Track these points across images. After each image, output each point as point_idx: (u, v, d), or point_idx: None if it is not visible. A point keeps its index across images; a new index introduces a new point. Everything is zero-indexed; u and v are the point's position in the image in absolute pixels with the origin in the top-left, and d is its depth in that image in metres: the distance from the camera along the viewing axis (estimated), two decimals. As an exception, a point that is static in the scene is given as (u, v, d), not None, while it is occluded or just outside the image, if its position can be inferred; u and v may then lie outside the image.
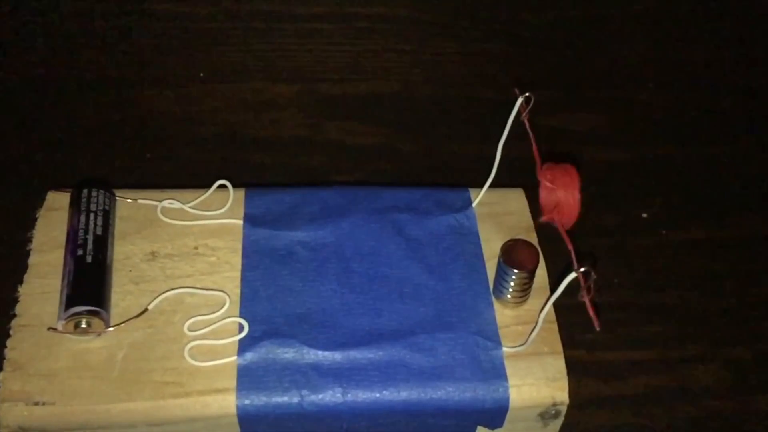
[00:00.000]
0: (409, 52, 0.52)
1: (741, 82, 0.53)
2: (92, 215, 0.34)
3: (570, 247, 0.30)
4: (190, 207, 0.35)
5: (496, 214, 0.36)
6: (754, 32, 0.56)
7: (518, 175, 0.36)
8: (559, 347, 0.32)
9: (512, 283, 0.32)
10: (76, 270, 0.32)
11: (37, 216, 0.35)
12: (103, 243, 0.33)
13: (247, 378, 0.30)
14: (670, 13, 0.56)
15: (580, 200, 0.33)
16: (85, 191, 0.34)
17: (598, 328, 0.29)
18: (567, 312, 0.33)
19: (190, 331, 0.32)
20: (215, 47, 0.51)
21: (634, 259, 0.43)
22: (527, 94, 0.33)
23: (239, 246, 0.34)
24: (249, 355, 0.31)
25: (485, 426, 0.32)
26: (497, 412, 0.31)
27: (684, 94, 0.51)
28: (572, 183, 0.33)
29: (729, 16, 0.56)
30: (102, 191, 0.34)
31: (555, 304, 0.31)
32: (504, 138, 0.34)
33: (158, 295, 0.32)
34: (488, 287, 0.34)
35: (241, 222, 0.35)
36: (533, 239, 0.35)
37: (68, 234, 0.33)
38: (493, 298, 0.33)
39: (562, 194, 0.33)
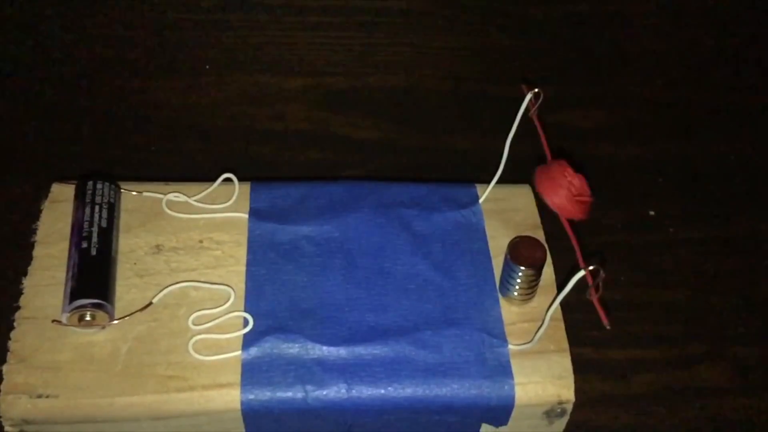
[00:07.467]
0: (416, 45, 0.52)
1: (750, 79, 0.52)
2: (97, 207, 0.33)
3: (575, 242, 0.30)
4: (195, 200, 0.35)
5: (503, 211, 0.36)
6: (764, 29, 0.55)
7: (526, 171, 0.36)
8: (566, 345, 0.32)
9: (519, 281, 0.32)
10: (80, 262, 0.32)
11: (41, 208, 0.35)
12: (107, 235, 0.33)
13: (252, 373, 0.30)
14: (680, 9, 0.56)
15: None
16: (90, 183, 0.34)
17: (608, 326, 0.29)
18: (573, 309, 0.33)
19: (194, 325, 0.31)
20: (222, 39, 0.51)
21: (640, 257, 0.42)
22: (536, 89, 0.32)
23: (244, 240, 0.34)
24: (253, 350, 0.31)
25: (490, 424, 0.32)
26: (502, 410, 0.31)
27: (693, 90, 0.51)
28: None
29: (739, 12, 0.56)
30: (107, 183, 0.34)
31: (561, 302, 0.30)
32: (512, 134, 0.34)
33: (163, 289, 0.32)
34: (494, 284, 0.33)
35: (246, 216, 0.35)
36: (540, 236, 0.35)
37: (73, 226, 0.33)
38: (500, 295, 0.33)
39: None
